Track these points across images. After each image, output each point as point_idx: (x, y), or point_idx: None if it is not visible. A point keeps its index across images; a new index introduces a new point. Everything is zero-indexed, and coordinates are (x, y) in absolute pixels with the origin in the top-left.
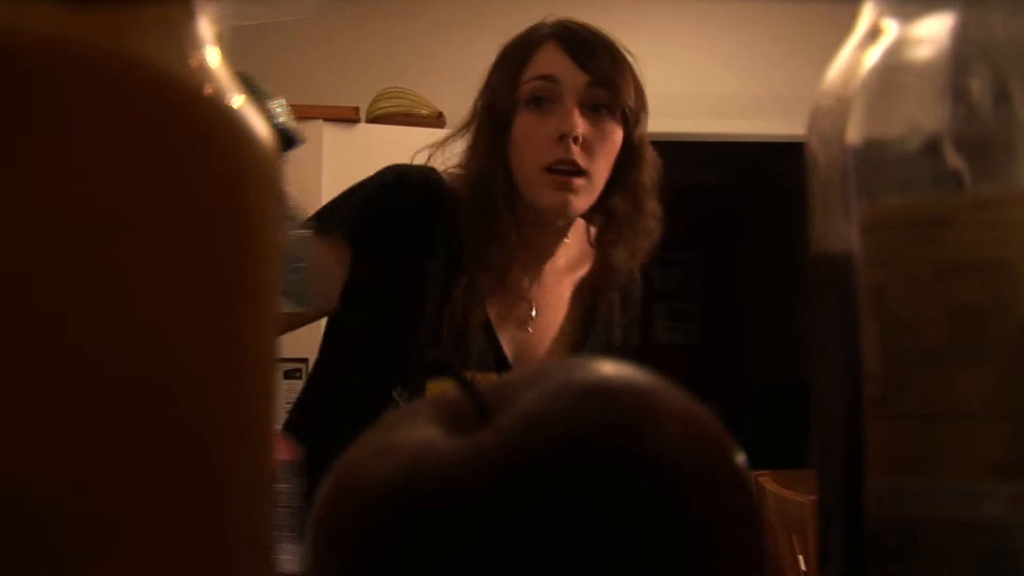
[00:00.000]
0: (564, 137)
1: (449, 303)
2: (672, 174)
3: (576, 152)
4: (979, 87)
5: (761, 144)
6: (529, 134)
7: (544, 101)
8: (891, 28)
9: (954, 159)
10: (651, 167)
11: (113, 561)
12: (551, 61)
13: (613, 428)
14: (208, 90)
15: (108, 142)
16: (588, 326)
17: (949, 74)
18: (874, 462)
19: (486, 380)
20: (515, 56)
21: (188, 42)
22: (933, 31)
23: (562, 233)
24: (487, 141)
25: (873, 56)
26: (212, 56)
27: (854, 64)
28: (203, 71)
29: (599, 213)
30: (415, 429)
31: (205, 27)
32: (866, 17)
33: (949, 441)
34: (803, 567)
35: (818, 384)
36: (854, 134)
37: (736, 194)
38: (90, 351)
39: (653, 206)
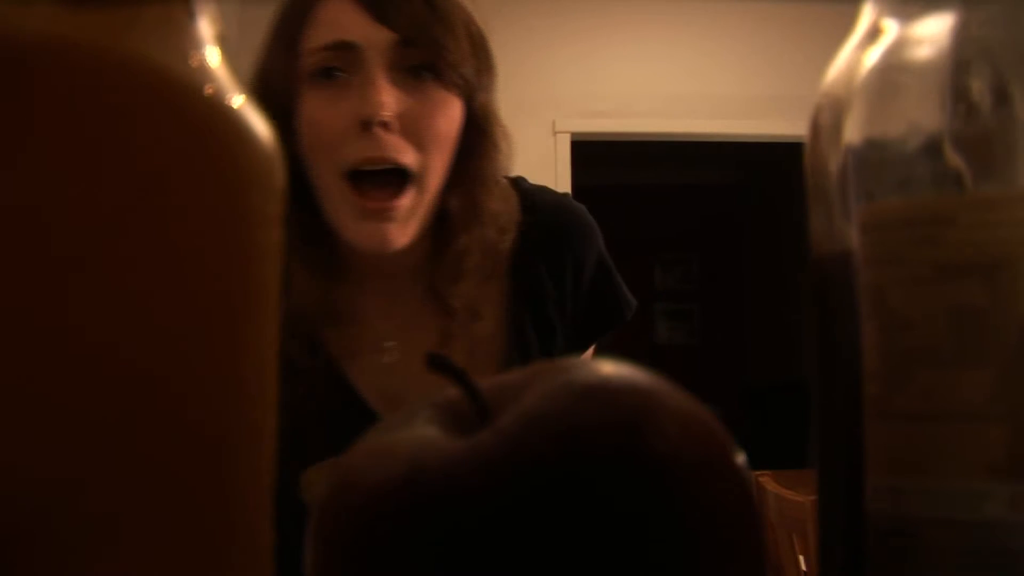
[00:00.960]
0: (368, 124)
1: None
2: (672, 174)
3: (389, 144)
4: (979, 87)
5: (761, 144)
6: (317, 123)
7: (336, 72)
8: (891, 28)
9: (954, 159)
10: (496, 152)
11: (113, 560)
12: (338, 19)
13: (613, 428)
14: (208, 90)
15: (108, 142)
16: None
17: (949, 74)
18: (874, 462)
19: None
20: (290, 17)
21: (188, 42)
22: (933, 31)
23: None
24: None
25: (873, 56)
26: (212, 56)
27: (854, 64)
28: (203, 71)
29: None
30: (415, 429)
31: (205, 27)
32: (866, 17)
33: (949, 441)
34: (803, 567)
35: (818, 384)
36: (854, 134)
37: (736, 194)
38: (90, 347)
39: (496, 206)
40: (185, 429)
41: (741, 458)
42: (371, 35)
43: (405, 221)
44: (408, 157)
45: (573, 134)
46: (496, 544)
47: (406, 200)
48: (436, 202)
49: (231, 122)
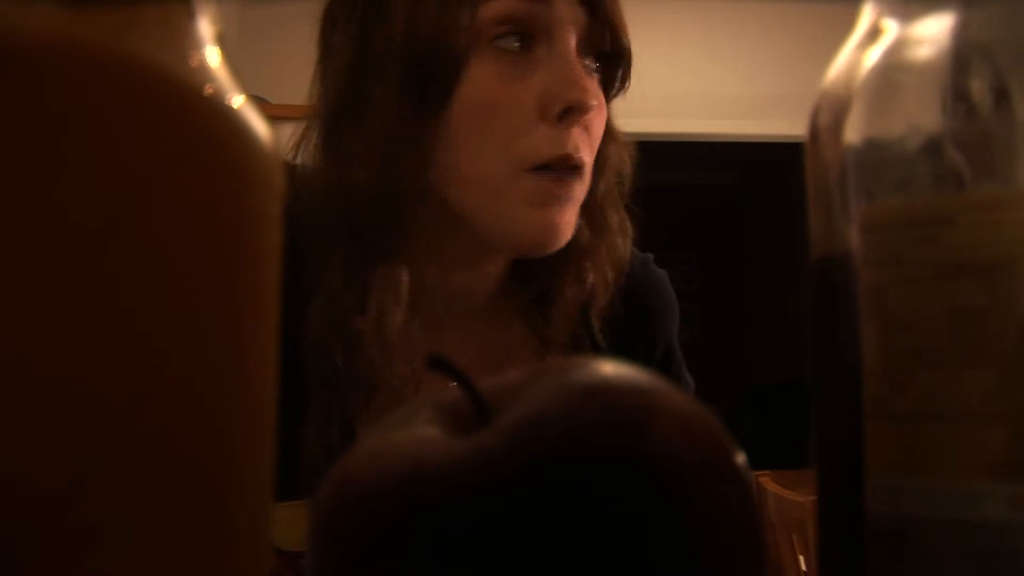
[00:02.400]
0: (571, 110)
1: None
2: (672, 174)
3: (582, 142)
4: (979, 87)
5: (761, 144)
6: (496, 101)
7: (517, 42)
8: (891, 28)
9: (954, 159)
10: (622, 162)
11: (123, 542)
12: None
13: (613, 428)
14: (208, 90)
15: (108, 142)
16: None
17: (949, 74)
18: (874, 462)
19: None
20: None
21: (188, 42)
22: (933, 31)
23: (491, 274)
24: (392, 113)
25: (873, 56)
26: (212, 56)
27: (854, 64)
28: (203, 71)
29: (528, 286)
30: (415, 429)
31: (205, 27)
32: (866, 17)
33: (949, 441)
34: (803, 567)
35: (818, 384)
36: (854, 134)
37: (736, 194)
38: (95, 338)
39: (616, 220)
40: (192, 416)
41: (741, 458)
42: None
43: (574, 207)
44: (588, 158)
45: None
46: (496, 544)
47: (579, 184)
48: None
49: (231, 122)
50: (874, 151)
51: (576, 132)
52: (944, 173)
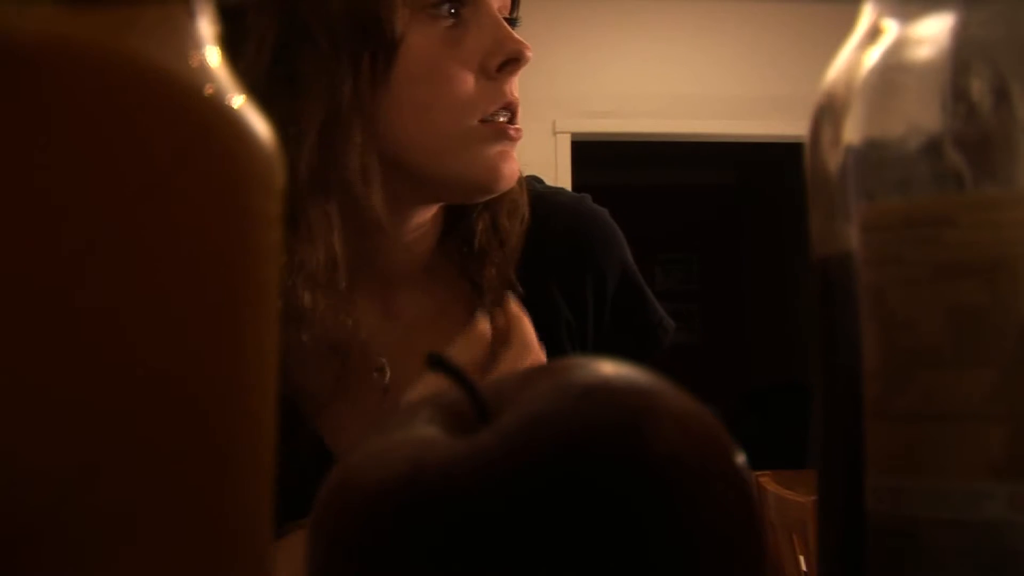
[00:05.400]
0: (508, 63)
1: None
2: (672, 174)
3: (515, 85)
4: (979, 87)
5: (761, 144)
6: (442, 67)
7: (450, 9)
8: (891, 28)
9: (954, 159)
10: None
11: (125, 555)
12: None
13: (613, 428)
14: (208, 90)
15: (108, 142)
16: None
17: (949, 74)
18: (874, 462)
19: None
20: None
21: (188, 42)
22: (933, 31)
23: (426, 231)
24: (329, 87)
25: (873, 56)
26: (212, 56)
27: (854, 64)
28: (203, 71)
29: (456, 238)
30: (415, 429)
31: (205, 27)
32: (866, 17)
33: (949, 441)
34: (803, 567)
35: (818, 384)
36: (854, 134)
37: (736, 194)
38: (93, 341)
39: (515, 226)
40: (189, 421)
41: (741, 458)
42: None
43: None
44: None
45: (573, 134)
46: (496, 544)
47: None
48: (462, 222)
49: (231, 122)
50: (874, 151)
51: (513, 81)
52: (944, 173)
